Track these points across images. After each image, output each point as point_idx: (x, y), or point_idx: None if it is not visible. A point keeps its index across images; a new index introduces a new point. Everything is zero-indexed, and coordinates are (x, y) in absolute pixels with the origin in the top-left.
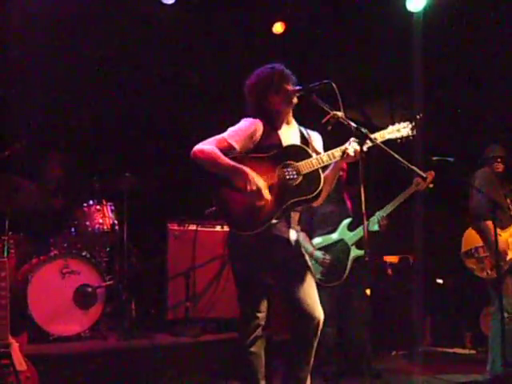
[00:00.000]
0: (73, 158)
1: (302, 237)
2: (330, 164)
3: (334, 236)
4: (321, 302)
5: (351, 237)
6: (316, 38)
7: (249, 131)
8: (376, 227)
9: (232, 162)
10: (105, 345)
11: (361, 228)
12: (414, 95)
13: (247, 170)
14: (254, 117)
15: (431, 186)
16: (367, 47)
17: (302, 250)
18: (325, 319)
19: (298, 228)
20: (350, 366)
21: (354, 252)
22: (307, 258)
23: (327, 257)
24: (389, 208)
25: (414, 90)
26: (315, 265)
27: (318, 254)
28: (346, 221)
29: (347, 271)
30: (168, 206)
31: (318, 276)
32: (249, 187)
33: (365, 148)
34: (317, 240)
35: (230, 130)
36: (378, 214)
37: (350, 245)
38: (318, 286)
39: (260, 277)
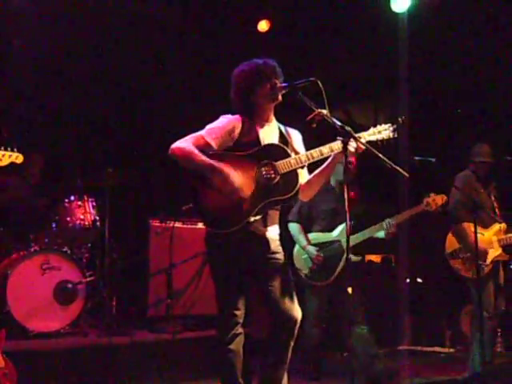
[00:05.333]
0: (55, 154)
1: (298, 229)
2: (313, 162)
3: (333, 235)
4: (308, 301)
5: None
6: (301, 36)
7: (226, 128)
8: (382, 234)
9: (209, 160)
10: (85, 341)
11: (360, 233)
12: (398, 95)
13: (224, 168)
14: (235, 112)
15: (440, 210)
16: (352, 47)
17: (280, 247)
18: (310, 319)
19: (277, 226)
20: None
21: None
22: (298, 251)
23: (320, 254)
24: (398, 218)
25: (398, 90)
26: (306, 259)
27: (311, 249)
28: (347, 222)
29: (336, 273)
30: (150, 203)
31: (306, 271)
32: (225, 186)
33: (351, 148)
34: (313, 235)
35: (208, 127)
36: (387, 220)
37: (345, 248)
38: (304, 282)
39: (238, 275)
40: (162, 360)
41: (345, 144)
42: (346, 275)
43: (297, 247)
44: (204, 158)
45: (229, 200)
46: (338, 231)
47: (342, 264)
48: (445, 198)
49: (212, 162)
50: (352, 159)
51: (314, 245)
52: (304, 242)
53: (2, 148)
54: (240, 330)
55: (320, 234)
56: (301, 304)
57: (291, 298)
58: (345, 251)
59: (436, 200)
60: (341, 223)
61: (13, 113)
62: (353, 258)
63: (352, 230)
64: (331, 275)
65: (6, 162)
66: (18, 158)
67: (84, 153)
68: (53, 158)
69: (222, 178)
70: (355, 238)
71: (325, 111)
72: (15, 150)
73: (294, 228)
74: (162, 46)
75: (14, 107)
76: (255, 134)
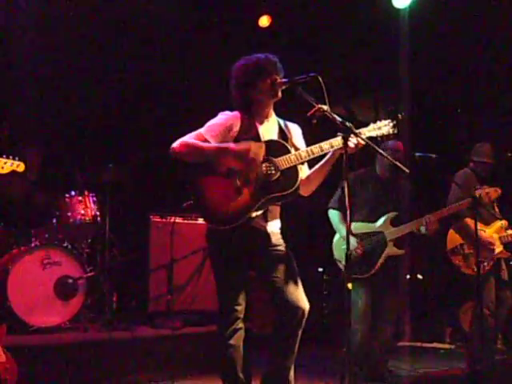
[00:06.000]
0: (55, 148)
1: (338, 217)
2: (312, 158)
3: (376, 225)
4: (354, 300)
5: (392, 232)
6: (302, 32)
7: (225, 125)
8: (423, 230)
9: (216, 144)
10: (85, 336)
11: (402, 227)
12: (399, 91)
13: (230, 144)
14: (234, 108)
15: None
16: (353, 42)
17: (282, 241)
18: (355, 314)
19: (278, 221)
20: (370, 367)
21: (390, 249)
22: (338, 241)
23: (362, 245)
24: (440, 213)
25: (399, 87)
26: (345, 250)
27: (352, 239)
28: (391, 214)
29: (377, 267)
30: (151, 198)
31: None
32: (241, 158)
33: (351, 144)
34: (355, 225)
35: (207, 124)
36: (426, 216)
37: (388, 240)
38: (343, 274)
39: (239, 270)
40: (162, 355)
41: (345, 140)
42: (396, 275)
43: (337, 236)
44: (209, 144)
45: (231, 195)
46: (382, 222)
47: (382, 258)
48: (499, 191)
49: (218, 144)
50: (400, 146)
51: (355, 235)
52: (344, 232)
53: (4, 156)
54: (240, 325)
55: (362, 224)
56: (341, 297)
57: (297, 288)
58: (387, 244)
59: (490, 193)
60: (384, 213)
61: (12, 108)
62: (395, 250)
63: (395, 222)
64: (372, 268)
65: (7, 170)
66: (19, 166)
67: (84, 148)
68: (53, 153)
69: (235, 154)
70: (396, 231)
71: (325, 107)
72: (16, 158)
73: (334, 216)
74: (162, 42)
75: (14, 102)
76: (255, 130)
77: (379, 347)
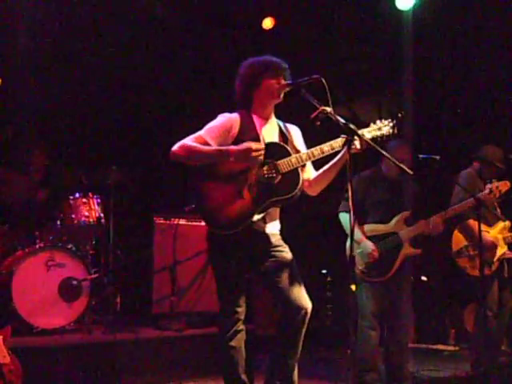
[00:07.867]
0: (59, 150)
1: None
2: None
3: (389, 226)
4: (361, 300)
5: (406, 232)
6: (305, 34)
7: (224, 127)
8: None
9: (214, 147)
10: (89, 338)
11: (417, 225)
12: (402, 92)
13: (230, 146)
14: (234, 108)
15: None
16: (356, 44)
17: (282, 241)
18: (367, 320)
19: (276, 222)
20: (391, 371)
21: (407, 249)
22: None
23: (377, 248)
24: (445, 214)
25: (402, 88)
26: (361, 253)
27: (368, 244)
28: (404, 213)
29: (395, 268)
30: (155, 200)
31: (361, 267)
32: (241, 159)
33: (353, 146)
34: (369, 227)
35: (207, 127)
36: (431, 218)
37: (404, 241)
38: (359, 279)
39: (239, 272)
40: (166, 357)
41: (349, 141)
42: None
43: (349, 240)
44: (208, 147)
45: (233, 199)
46: (395, 222)
47: (399, 259)
48: (508, 184)
49: (217, 147)
50: (404, 147)
51: (370, 237)
52: (359, 235)
53: None
54: (241, 326)
55: (375, 226)
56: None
57: (300, 288)
58: (402, 245)
59: (500, 187)
60: (396, 214)
61: (17, 109)
62: (411, 250)
63: (409, 221)
64: (389, 271)
65: None
66: None
67: (89, 150)
68: (58, 154)
69: (235, 155)
70: (411, 231)
71: (328, 109)
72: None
73: (346, 219)
74: (165, 44)
75: (18, 103)
76: (255, 132)
77: (398, 350)
